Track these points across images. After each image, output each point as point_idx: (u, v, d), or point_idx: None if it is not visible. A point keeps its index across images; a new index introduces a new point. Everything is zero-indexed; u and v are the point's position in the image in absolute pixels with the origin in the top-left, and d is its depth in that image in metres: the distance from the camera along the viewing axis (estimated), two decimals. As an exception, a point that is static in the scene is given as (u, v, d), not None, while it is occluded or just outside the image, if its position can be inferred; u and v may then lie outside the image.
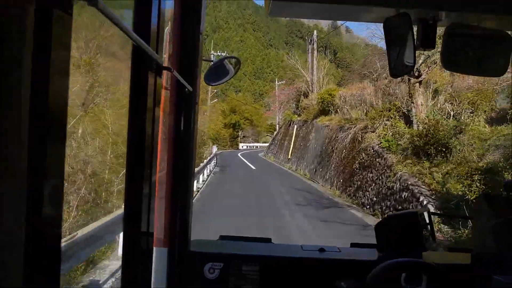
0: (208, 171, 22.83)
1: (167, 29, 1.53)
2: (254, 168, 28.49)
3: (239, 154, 46.41)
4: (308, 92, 34.31)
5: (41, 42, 0.48)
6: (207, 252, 1.88)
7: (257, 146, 70.26)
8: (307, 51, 38.47)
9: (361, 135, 15.62)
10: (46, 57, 0.49)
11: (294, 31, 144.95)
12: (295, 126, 31.81)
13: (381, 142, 13.77)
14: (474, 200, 6.31)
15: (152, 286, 1.20)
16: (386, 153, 13.19)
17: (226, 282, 1.81)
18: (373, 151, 14.01)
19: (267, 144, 74.93)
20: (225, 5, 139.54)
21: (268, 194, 16.10)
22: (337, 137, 19.41)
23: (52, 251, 0.53)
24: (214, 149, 40.80)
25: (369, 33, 39.58)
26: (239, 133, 65.10)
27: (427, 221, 2.01)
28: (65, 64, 0.54)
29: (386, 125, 14.36)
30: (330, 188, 17.93)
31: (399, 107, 14.45)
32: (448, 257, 1.92)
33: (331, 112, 25.61)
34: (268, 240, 2.12)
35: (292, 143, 31.17)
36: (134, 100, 1.00)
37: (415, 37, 1.38)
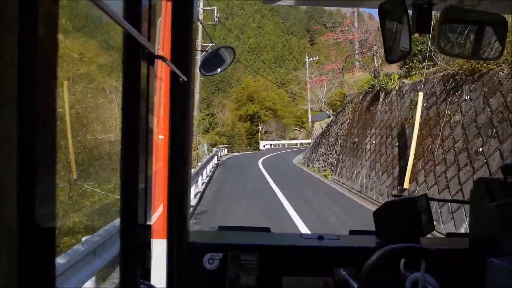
0: None
1: (160, 19, 1.50)
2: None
3: (260, 163, 25.59)
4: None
5: (27, 33, 0.44)
6: (206, 242, 1.80)
7: (284, 145, 49.45)
8: None
9: None
10: (32, 47, 0.45)
11: (316, 18, 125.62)
12: (420, 96, 10.50)
13: None
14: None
15: (151, 278, 1.18)
16: None
17: (226, 272, 1.75)
18: None
19: (296, 142, 54.36)
20: None
21: None
22: None
23: (47, 249, 0.50)
24: (214, 155, 20.52)
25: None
26: (259, 128, 44.17)
27: (425, 206, 1.90)
28: (53, 54, 0.50)
29: None
30: None
31: None
32: (446, 242, 1.98)
33: None
34: (267, 230, 2.02)
35: (412, 146, 10.39)
36: (127, 90, 0.97)
37: (410, 22, 1.31)
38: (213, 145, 45.86)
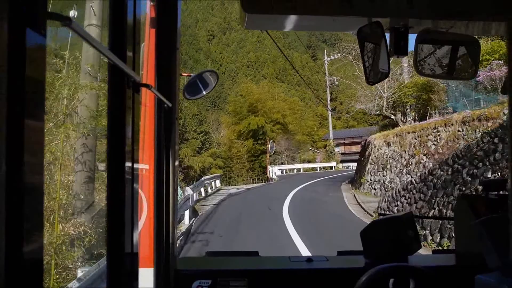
0: None
1: (143, 45, 1.49)
2: None
3: (289, 226, 10.10)
4: None
5: (15, 63, 0.45)
6: (194, 269, 1.73)
7: (299, 170, 35.18)
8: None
9: None
10: (20, 77, 0.46)
11: (316, 34, 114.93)
12: None
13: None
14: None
15: None
16: None
17: None
18: None
19: (313, 166, 39.81)
20: (236, 6, 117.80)
21: None
22: None
23: (35, 256, 0.50)
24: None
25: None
26: (268, 146, 29.33)
27: (411, 224, 1.86)
28: (41, 84, 0.51)
29: None
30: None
31: None
32: (433, 259, 1.96)
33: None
34: (255, 254, 1.94)
35: None
36: (112, 119, 0.94)
37: (388, 45, 1.32)
38: (206, 169, 32.93)
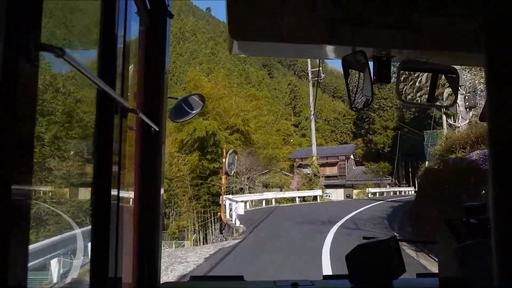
0: None
1: (131, 68, 1.46)
2: None
3: None
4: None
5: (7, 94, 0.44)
6: None
7: (268, 202, 21.63)
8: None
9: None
10: (12, 108, 0.46)
11: None
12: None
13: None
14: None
15: None
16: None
17: None
18: None
19: (291, 195, 25.34)
20: (191, 18, 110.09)
21: None
22: None
23: (20, 253, 0.50)
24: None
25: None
26: (226, 160, 15.53)
27: (395, 248, 1.77)
28: (31, 114, 0.50)
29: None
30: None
31: None
32: (417, 284, 1.95)
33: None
34: (240, 278, 1.82)
35: None
36: (99, 144, 0.94)
37: (372, 73, 1.33)
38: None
